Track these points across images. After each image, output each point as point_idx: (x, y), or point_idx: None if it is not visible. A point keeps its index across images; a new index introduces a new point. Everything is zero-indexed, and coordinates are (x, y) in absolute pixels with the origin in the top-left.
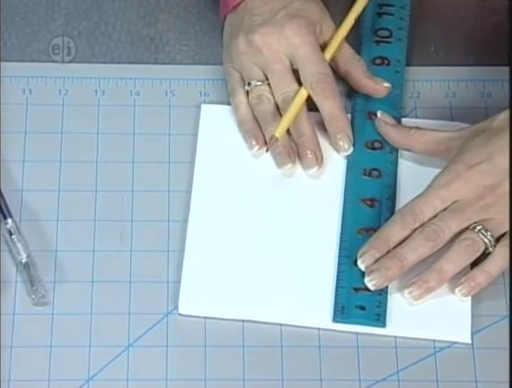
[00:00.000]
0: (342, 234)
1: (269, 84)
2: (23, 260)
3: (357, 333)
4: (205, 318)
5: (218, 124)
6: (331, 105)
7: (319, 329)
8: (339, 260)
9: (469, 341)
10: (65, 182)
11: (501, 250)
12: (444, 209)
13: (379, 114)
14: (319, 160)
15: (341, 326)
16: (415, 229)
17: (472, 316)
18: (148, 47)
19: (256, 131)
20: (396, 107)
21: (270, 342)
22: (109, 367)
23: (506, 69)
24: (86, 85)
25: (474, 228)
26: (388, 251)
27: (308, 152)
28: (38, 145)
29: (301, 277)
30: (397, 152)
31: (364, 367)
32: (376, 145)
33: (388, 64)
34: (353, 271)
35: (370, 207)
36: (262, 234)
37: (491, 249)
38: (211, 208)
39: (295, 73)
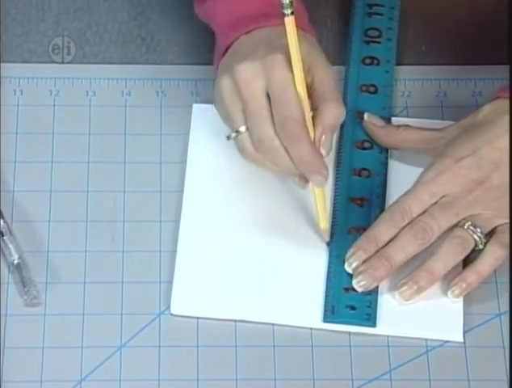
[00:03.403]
0: (332, 233)
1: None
2: (15, 261)
3: (349, 333)
4: (197, 318)
5: (209, 124)
6: (298, 151)
7: (311, 329)
8: (329, 260)
9: (461, 340)
10: (56, 182)
11: (492, 248)
12: (433, 205)
13: (366, 116)
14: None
15: (332, 325)
16: (404, 227)
17: (464, 315)
18: (139, 47)
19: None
20: (385, 107)
21: (263, 342)
22: (101, 367)
23: (497, 67)
24: (77, 85)
25: (463, 225)
26: (377, 251)
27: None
28: (29, 145)
29: (293, 277)
30: (387, 152)
31: (356, 366)
32: (366, 145)
33: (378, 64)
34: (343, 271)
35: (360, 206)
36: (254, 233)
37: (481, 246)
38: (203, 208)
39: None
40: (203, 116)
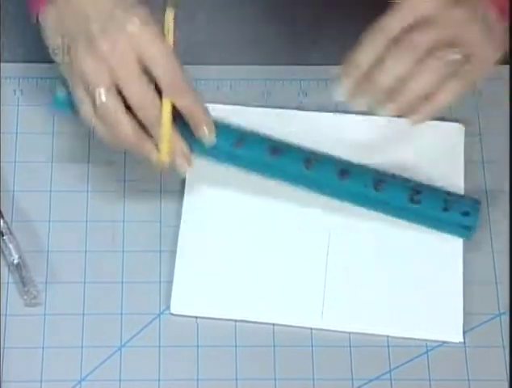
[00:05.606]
0: None
1: (118, 90)
2: (15, 261)
3: (349, 333)
4: (197, 317)
5: None
6: (185, 101)
7: (311, 329)
8: None
9: (461, 340)
10: (56, 182)
11: (454, 82)
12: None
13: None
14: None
15: (333, 325)
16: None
17: (464, 315)
18: None
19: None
20: None
21: (263, 342)
22: (101, 367)
23: (497, 67)
24: None
25: (444, 45)
26: (362, 76)
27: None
28: (29, 145)
29: (293, 277)
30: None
31: (357, 366)
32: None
33: None
34: None
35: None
36: (254, 234)
37: (460, 66)
38: (203, 207)
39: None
40: None
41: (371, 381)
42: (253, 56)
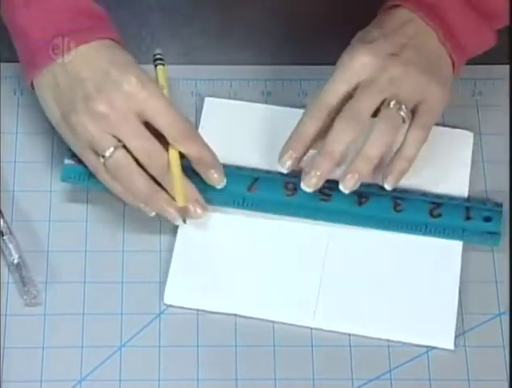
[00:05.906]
0: None
1: (124, 146)
2: (15, 261)
3: (349, 333)
4: (197, 312)
5: (220, 118)
6: (193, 148)
7: (311, 328)
8: None
9: (452, 347)
10: (56, 182)
11: (414, 133)
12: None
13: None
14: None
15: (332, 325)
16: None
17: (464, 315)
18: (139, 47)
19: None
20: None
21: (263, 341)
22: (101, 367)
23: (497, 67)
24: None
25: (388, 104)
26: (307, 148)
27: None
28: (29, 145)
29: (289, 278)
30: None
31: (356, 366)
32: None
33: None
34: None
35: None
36: (255, 231)
37: (408, 121)
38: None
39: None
40: (214, 110)
41: (370, 381)
42: (253, 56)
